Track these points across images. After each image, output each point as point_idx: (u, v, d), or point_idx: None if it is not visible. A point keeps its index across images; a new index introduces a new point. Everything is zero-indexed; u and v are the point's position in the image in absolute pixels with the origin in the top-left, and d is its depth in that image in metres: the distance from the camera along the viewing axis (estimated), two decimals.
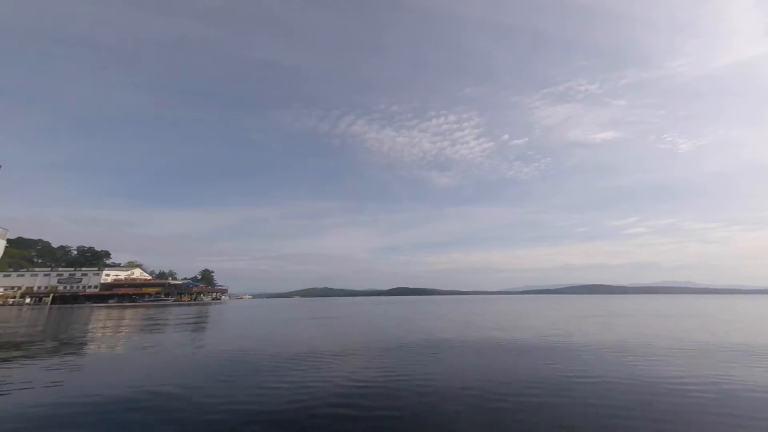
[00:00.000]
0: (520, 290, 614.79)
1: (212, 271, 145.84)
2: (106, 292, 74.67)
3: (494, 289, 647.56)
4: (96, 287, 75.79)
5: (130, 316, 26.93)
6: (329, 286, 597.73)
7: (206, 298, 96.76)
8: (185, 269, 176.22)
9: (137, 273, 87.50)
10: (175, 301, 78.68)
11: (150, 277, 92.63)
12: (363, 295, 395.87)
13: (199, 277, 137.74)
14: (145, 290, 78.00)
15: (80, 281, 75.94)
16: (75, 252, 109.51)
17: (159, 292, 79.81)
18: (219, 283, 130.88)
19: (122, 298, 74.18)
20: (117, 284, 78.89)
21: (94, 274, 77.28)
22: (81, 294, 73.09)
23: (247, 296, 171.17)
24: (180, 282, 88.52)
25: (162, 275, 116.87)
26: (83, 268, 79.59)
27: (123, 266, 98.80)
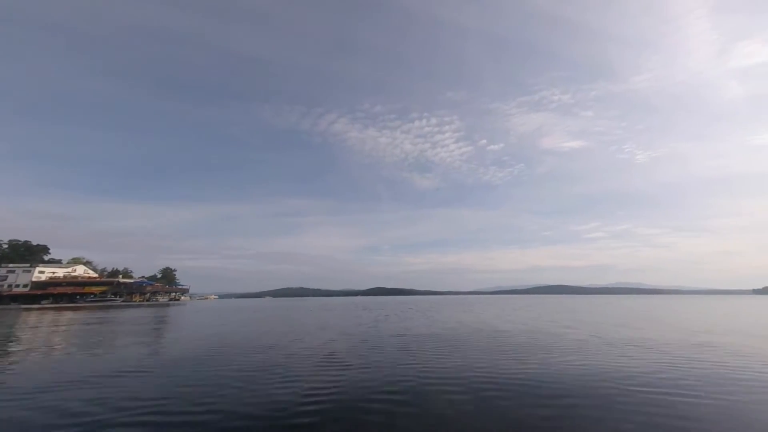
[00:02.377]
0: (491, 290, 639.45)
1: (174, 270, 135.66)
2: (39, 292, 66.06)
3: (467, 290, 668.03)
4: (26, 286, 66.81)
5: (61, 319, 23.37)
6: (305, 286, 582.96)
7: (162, 299, 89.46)
8: (146, 267, 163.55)
9: (80, 270, 78.62)
10: (123, 301, 71.55)
11: (96, 275, 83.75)
12: (340, 295, 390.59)
13: (159, 275, 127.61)
14: (87, 289, 70.09)
15: (5, 279, 66.49)
16: (6, 246, 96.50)
17: (105, 291, 72.21)
18: (182, 283, 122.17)
19: (59, 298, 66.07)
20: (53, 283, 70.18)
21: (24, 272, 68.00)
22: (5, 294, 63.94)
23: (213, 296, 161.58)
24: (131, 281, 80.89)
25: (114, 273, 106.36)
26: (10, 265, 69.81)
27: (65, 263, 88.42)
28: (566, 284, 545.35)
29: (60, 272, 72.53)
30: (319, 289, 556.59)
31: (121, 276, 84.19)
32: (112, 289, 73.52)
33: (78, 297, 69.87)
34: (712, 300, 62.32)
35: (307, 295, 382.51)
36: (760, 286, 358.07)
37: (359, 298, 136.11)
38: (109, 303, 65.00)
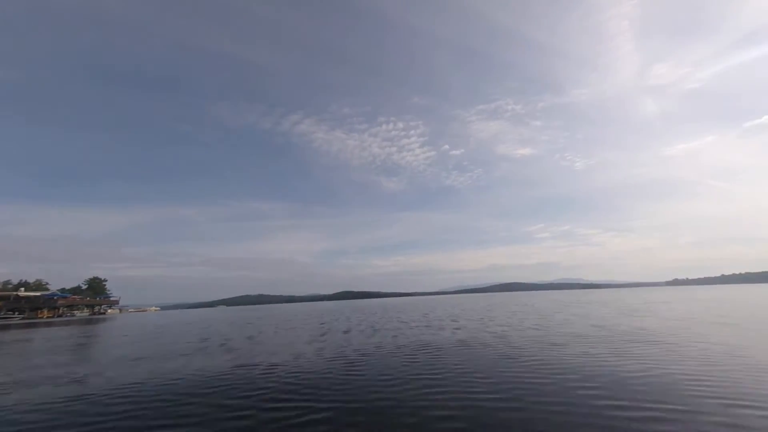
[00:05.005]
0: (454, 290, 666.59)
1: (105, 280, 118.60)
2: None
3: (432, 290, 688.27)
4: None
5: None
6: (266, 293, 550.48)
7: (82, 313, 77.03)
8: (73, 278, 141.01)
9: None
10: (24, 318, 59.79)
11: None
12: (304, 300, 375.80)
13: (85, 286, 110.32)
14: None
15: None
16: None
17: None
18: (114, 294, 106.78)
19: None
20: None
21: None
22: None
23: (154, 308, 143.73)
24: (38, 294, 68.16)
25: (18, 286, 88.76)
26: None
27: None
28: (519, 281, 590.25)
29: None
30: (281, 295, 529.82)
31: (22, 289, 70.27)
32: (8, 305, 60.97)
33: None
34: (649, 292, 67.31)
35: (268, 302, 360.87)
36: (670, 279, 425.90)
37: (325, 303, 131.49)
38: (2, 321, 53.57)
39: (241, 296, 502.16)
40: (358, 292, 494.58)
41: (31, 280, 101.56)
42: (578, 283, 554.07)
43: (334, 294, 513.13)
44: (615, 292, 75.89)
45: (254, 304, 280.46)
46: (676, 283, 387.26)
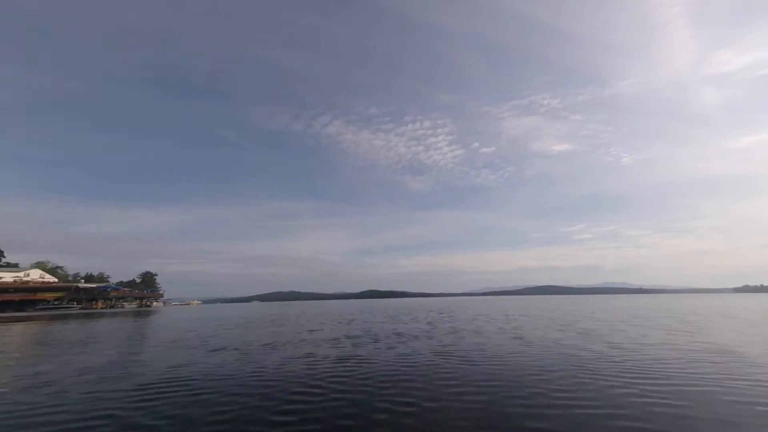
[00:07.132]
0: (481, 292, 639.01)
1: (155, 274, 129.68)
2: None
3: (458, 291, 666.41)
4: None
5: None
6: (297, 290, 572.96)
7: (130, 305, 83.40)
8: (129, 272, 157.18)
9: (35, 275, 72.11)
10: (82, 308, 65.54)
11: (56, 280, 77.14)
12: (333, 298, 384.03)
13: (138, 280, 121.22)
14: (40, 296, 63.80)
15: None
16: None
17: (60, 298, 66.02)
18: (162, 288, 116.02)
19: (4, 306, 59.67)
20: None
21: None
22: None
23: (196, 302, 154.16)
24: (93, 285, 74.71)
25: (84, 278, 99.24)
26: None
27: (28, 268, 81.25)
28: (556, 284, 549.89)
29: (8, 277, 65.89)
30: (311, 293, 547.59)
31: (82, 281, 77.74)
32: (69, 295, 67.30)
33: (34, 304, 63.54)
34: (725, 299, 58.51)
35: (299, 299, 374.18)
36: (738, 285, 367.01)
37: (353, 301, 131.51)
38: (63, 311, 58.95)
39: (274, 292, 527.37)
40: (384, 291, 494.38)
41: (95, 274, 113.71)
42: (625, 288, 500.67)
43: (360, 293, 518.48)
44: (681, 298, 64.55)
45: (286, 300, 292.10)
46: (746, 290, 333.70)
